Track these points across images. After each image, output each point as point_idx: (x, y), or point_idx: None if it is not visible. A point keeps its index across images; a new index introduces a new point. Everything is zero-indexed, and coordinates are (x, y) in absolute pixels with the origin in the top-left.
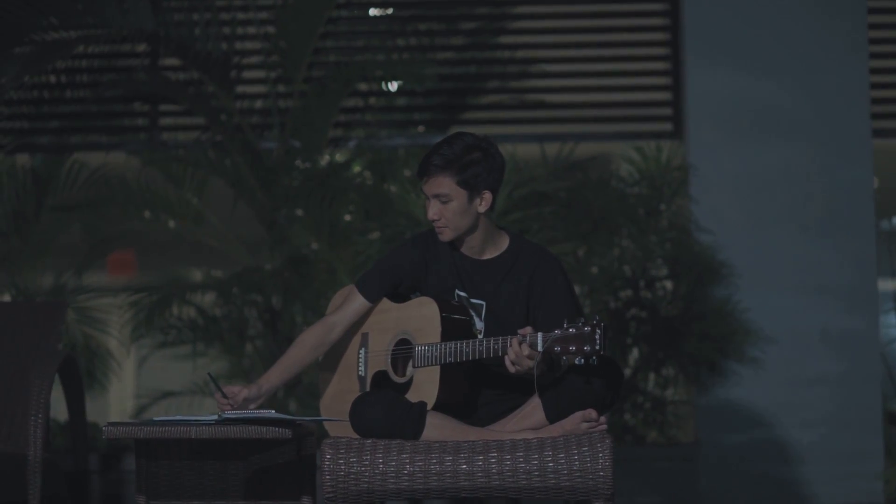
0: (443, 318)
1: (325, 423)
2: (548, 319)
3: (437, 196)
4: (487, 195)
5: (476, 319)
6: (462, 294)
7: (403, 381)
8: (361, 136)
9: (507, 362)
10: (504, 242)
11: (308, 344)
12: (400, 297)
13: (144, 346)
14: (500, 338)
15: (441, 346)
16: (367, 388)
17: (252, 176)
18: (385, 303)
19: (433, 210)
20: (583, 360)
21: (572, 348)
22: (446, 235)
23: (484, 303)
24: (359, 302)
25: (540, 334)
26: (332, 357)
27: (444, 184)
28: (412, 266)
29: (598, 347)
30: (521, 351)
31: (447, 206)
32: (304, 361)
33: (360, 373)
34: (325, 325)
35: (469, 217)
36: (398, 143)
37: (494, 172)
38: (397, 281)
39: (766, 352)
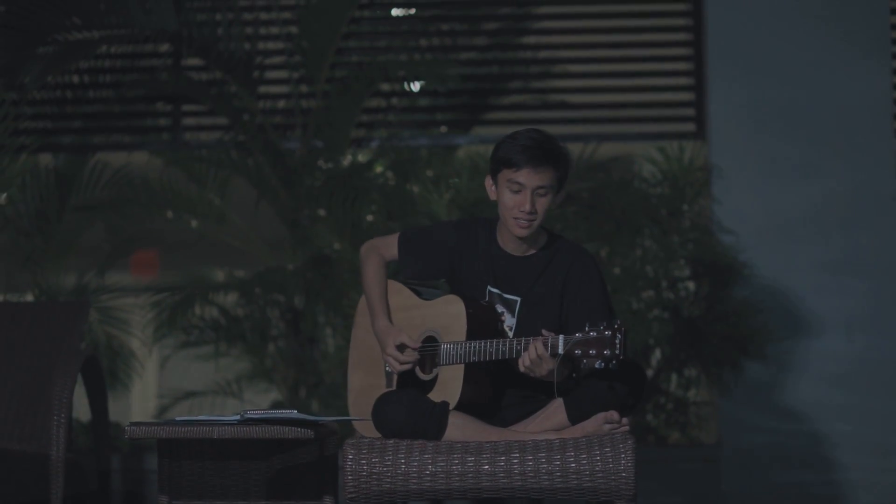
0: (469, 317)
1: (353, 421)
2: (579, 317)
3: (540, 187)
4: (562, 193)
5: (508, 315)
6: (494, 290)
7: (429, 378)
8: (384, 137)
9: (520, 364)
10: (542, 240)
11: (384, 271)
12: (427, 293)
13: (167, 346)
14: (524, 339)
15: (466, 344)
16: (394, 386)
17: (274, 176)
18: (412, 299)
19: (531, 202)
20: (603, 365)
21: (592, 352)
22: (531, 229)
23: (518, 299)
24: (390, 258)
25: (561, 337)
26: (360, 353)
27: (551, 175)
28: (446, 247)
29: (618, 352)
30: (544, 353)
31: (543, 199)
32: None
33: (386, 369)
34: (383, 260)
35: (547, 214)
36: (421, 144)
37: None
38: (433, 260)
39: (788, 351)
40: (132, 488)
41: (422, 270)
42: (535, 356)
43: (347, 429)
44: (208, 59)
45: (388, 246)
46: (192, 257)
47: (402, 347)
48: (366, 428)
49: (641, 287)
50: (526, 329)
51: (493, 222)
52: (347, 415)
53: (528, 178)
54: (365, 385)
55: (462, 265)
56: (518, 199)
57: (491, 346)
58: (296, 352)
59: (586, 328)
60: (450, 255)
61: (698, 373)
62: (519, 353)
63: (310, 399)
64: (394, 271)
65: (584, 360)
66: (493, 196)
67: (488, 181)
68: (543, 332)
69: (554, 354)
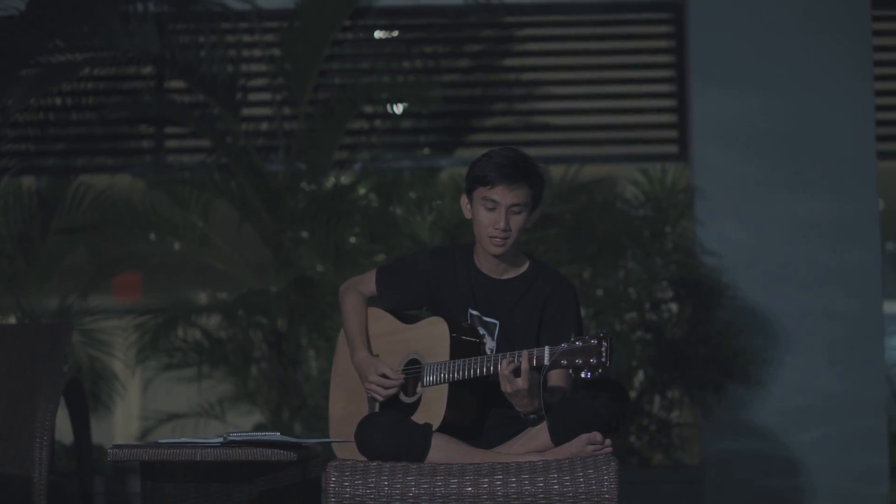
0: (452, 338)
1: (333, 444)
2: (551, 342)
3: (514, 205)
4: (537, 212)
5: (488, 338)
6: (474, 313)
7: (412, 400)
8: (367, 159)
9: (504, 384)
10: (523, 264)
11: (362, 306)
12: (410, 318)
13: (149, 369)
14: (509, 353)
15: (449, 362)
16: (377, 410)
17: (257, 198)
18: (395, 324)
19: (504, 220)
20: (589, 374)
21: (579, 361)
22: (506, 247)
23: (497, 322)
24: (369, 294)
25: (547, 348)
26: (342, 378)
27: (526, 193)
28: (424, 276)
29: (604, 360)
30: (527, 367)
31: (517, 217)
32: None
33: (369, 395)
34: (362, 296)
35: (521, 232)
36: (403, 166)
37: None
38: (411, 288)
39: (771, 374)
40: None
41: (401, 301)
42: (515, 369)
43: (331, 451)
44: (191, 81)
45: (366, 282)
46: (175, 279)
47: (384, 377)
48: (347, 452)
49: (624, 309)
50: (505, 352)
51: (469, 247)
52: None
53: (502, 195)
54: (347, 412)
55: (441, 291)
56: (493, 217)
57: (475, 364)
58: (279, 374)
59: (571, 338)
60: (428, 282)
61: (681, 394)
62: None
63: (293, 421)
64: (375, 300)
65: (571, 370)
66: (468, 214)
67: (464, 199)
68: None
69: (539, 366)
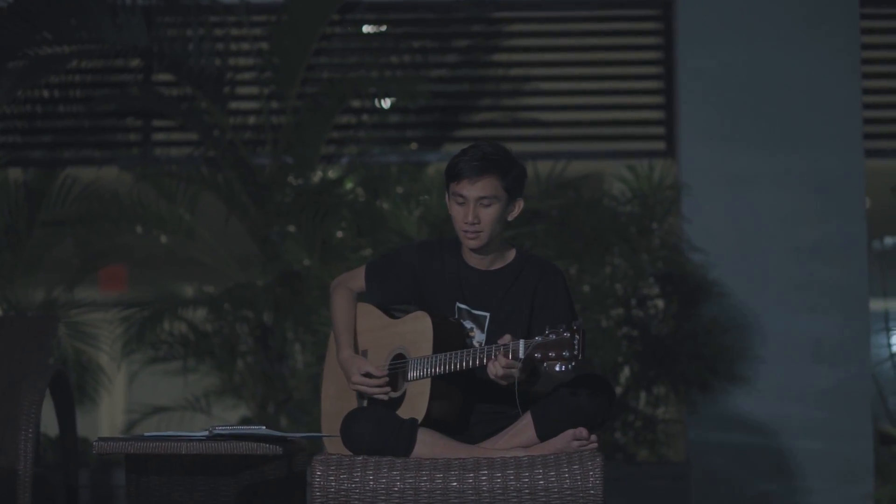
0: (435, 332)
1: (324, 438)
2: (542, 329)
3: (482, 198)
4: (520, 203)
5: (478, 332)
6: (462, 307)
7: (397, 395)
8: (354, 153)
9: (491, 374)
10: (510, 255)
11: (351, 303)
12: (397, 313)
13: (135, 362)
14: (486, 347)
15: (432, 357)
16: (364, 404)
17: (244, 192)
18: (382, 319)
19: (473, 213)
20: (563, 368)
21: (552, 354)
22: (480, 241)
23: (487, 314)
24: (359, 290)
25: (521, 341)
26: (331, 373)
27: (493, 185)
28: (411, 270)
29: (576, 353)
30: (505, 362)
31: (487, 209)
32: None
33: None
34: (351, 293)
35: (501, 224)
36: (391, 160)
37: (525, 181)
38: (399, 284)
39: (757, 371)
40: None
41: (390, 296)
42: (505, 366)
43: (316, 445)
44: (179, 74)
45: (356, 278)
46: (162, 272)
47: (368, 375)
48: (336, 446)
49: (611, 305)
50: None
51: (456, 240)
52: (316, 431)
53: (468, 189)
54: (338, 407)
55: (428, 285)
56: (462, 211)
57: (455, 357)
58: (264, 368)
59: (546, 331)
60: (415, 276)
61: (667, 390)
62: (483, 362)
63: (278, 415)
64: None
65: (545, 364)
66: (450, 210)
67: (446, 195)
68: (499, 340)
69: (515, 359)
